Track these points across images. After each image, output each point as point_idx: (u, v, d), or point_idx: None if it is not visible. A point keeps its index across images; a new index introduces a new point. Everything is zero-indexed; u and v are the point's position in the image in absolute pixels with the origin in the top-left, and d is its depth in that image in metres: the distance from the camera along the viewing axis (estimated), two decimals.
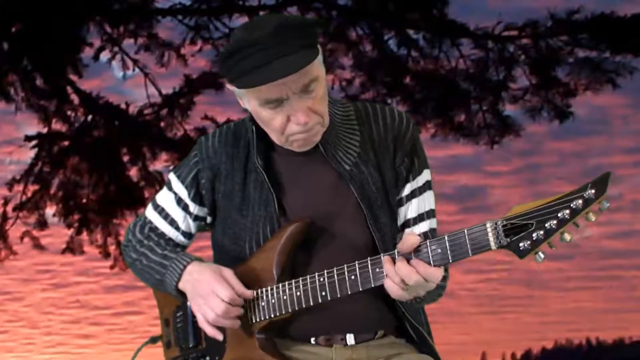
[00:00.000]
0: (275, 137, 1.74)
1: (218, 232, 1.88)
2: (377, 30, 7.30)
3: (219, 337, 1.76)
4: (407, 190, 1.82)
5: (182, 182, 1.88)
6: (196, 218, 1.90)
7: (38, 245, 7.98)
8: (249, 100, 1.71)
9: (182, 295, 1.81)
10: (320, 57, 1.68)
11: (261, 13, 7.21)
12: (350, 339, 1.78)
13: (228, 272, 1.76)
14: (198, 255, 1.83)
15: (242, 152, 1.83)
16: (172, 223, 1.90)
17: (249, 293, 1.74)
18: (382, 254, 1.64)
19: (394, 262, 1.61)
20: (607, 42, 6.78)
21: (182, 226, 1.90)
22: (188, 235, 1.92)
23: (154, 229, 1.91)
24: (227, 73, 1.67)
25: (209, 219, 1.90)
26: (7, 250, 7.95)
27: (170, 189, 1.91)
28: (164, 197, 1.92)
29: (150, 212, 1.93)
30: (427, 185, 1.84)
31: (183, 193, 1.88)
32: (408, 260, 1.59)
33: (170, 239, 1.90)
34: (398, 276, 1.59)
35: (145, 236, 1.91)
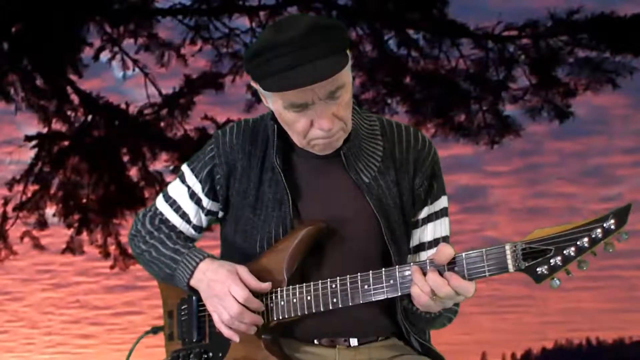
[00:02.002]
0: (296, 139, 1.73)
1: (229, 228, 1.87)
2: (377, 30, 7.29)
3: (236, 338, 1.74)
4: (424, 213, 1.82)
5: (197, 176, 1.87)
6: (208, 212, 1.89)
7: (38, 245, 7.97)
8: (274, 101, 1.69)
9: (193, 291, 1.79)
10: (349, 63, 1.64)
11: (261, 13, 7.22)
12: (353, 341, 1.78)
13: (243, 270, 1.73)
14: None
15: (260, 150, 1.82)
16: (184, 216, 1.89)
17: (265, 286, 1.72)
18: (411, 264, 1.63)
19: (424, 272, 1.60)
20: (607, 42, 6.77)
21: (194, 220, 1.89)
22: (199, 229, 1.91)
23: (165, 221, 1.90)
24: (253, 72, 1.65)
25: (221, 214, 1.89)
26: (7, 250, 7.94)
27: (183, 181, 1.89)
28: (177, 190, 1.90)
29: (161, 204, 1.92)
30: (444, 212, 1.84)
31: (197, 187, 1.87)
32: (440, 273, 1.58)
33: (181, 232, 1.89)
34: (428, 286, 1.58)
35: (155, 227, 1.89)
